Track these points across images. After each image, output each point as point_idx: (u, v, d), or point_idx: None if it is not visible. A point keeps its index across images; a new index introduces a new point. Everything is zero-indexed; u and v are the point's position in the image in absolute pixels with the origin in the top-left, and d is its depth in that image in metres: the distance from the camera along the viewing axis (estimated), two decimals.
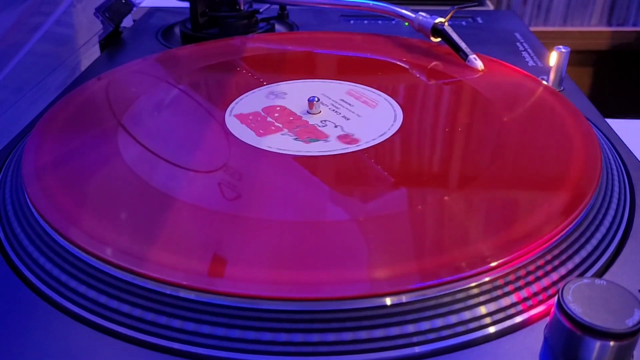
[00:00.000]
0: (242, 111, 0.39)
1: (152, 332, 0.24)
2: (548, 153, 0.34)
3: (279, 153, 0.34)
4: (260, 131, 0.36)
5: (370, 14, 0.63)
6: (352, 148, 0.34)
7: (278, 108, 0.39)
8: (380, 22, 0.63)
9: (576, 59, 1.18)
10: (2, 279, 0.27)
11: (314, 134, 0.36)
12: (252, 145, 0.35)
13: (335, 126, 0.37)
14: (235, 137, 0.36)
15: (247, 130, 0.36)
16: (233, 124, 0.37)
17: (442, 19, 0.48)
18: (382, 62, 0.47)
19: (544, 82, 0.43)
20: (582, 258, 0.27)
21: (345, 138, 0.35)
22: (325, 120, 0.37)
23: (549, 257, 0.27)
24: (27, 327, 0.25)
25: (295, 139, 0.35)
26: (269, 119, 0.38)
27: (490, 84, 0.42)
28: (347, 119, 0.37)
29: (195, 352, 0.24)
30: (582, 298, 0.22)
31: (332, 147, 0.34)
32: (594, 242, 0.28)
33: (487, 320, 0.24)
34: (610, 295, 0.22)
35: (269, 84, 0.43)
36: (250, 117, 0.38)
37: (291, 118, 0.38)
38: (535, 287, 0.26)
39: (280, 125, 0.37)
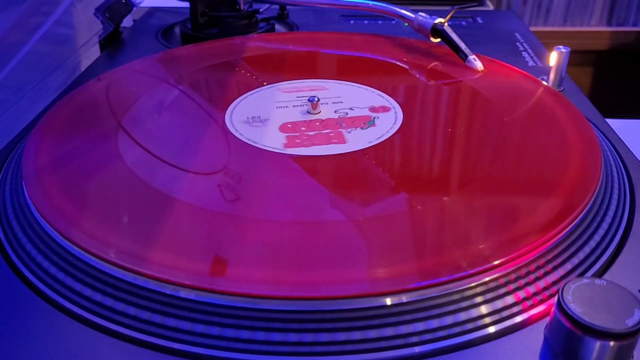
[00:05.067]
0: (280, 142, 0.35)
1: (152, 332, 0.24)
2: (548, 153, 0.34)
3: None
4: (333, 141, 0.35)
5: (370, 14, 0.63)
6: (399, 114, 0.37)
7: (289, 125, 0.37)
8: (380, 22, 0.63)
9: (576, 59, 1.18)
10: (2, 279, 0.27)
11: (362, 120, 0.36)
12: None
13: (351, 108, 0.37)
14: (326, 155, 0.34)
15: (323, 147, 0.34)
16: (301, 152, 0.34)
17: (441, 20, 0.48)
18: (382, 63, 0.47)
19: (544, 83, 0.43)
20: (582, 258, 0.27)
21: (377, 110, 0.36)
22: (337, 110, 0.38)
23: (548, 257, 0.27)
24: (27, 327, 0.25)
25: (361, 128, 0.35)
26: (308, 133, 0.36)
27: (490, 84, 0.42)
28: (342, 102, 0.38)
29: (195, 352, 0.24)
30: (582, 298, 0.22)
31: (388, 120, 0.36)
32: (594, 242, 0.28)
33: (487, 320, 0.24)
34: (610, 295, 0.22)
35: (225, 110, 0.40)
36: (298, 141, 0.35)
37: (318, 124, 0.37)
38: (535, 287, 0.26)
39: (329, 130, 0.36)
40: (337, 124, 0.36)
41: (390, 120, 0.37)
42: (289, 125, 0.37)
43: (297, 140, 0.35)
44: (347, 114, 0.37)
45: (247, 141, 0.35)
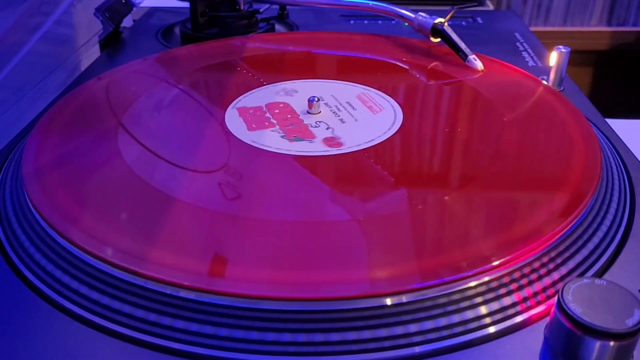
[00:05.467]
0: (246, 104, 0.39)
1: (152, 332, 0.24)
2: (548, 153, 0.34)
3: (279, 153, 0.34)
4: (253, 125, 0.37)
5: (370, 14, 0.63)
6: (333, 151, 0.34)
7: (281, 105, 0.39)
8: (380, 22, 0.63)
9: (576, 59, 1.18)
10: (2, 279, 0.27)
11: (301, 134, 0.36)
12: (244, 142, 0.35)
13: (327, 128, 0.37)
14: (230, 131, 0.36)
15: (241, 123, 0.37)
16: (231, 116, 0.38)
17: (441, 19, 0.48)
18: (381, 63, 0.47)
19: (544, 82, 0.43)
20: (582, 258, 0.27)
21: (331, 141, 0.35)
22: (320, 121, 0.37)
23: (549, 256, 0.27)
24: (27, 327, 0.25)
25: (282, 136, 0.35)
26: (267, 114, 0.38)
27: (490, 84, 0.42)
28: (343, 122, 0.37)
29: (196, 352, 0.24)
30: (582, 298, 0.22)
31: (314, 148, 0.34)
32: (594, 242, 0.28)
33: (487, 320, 0.24)
34: (610, 295, 0.22)
35: (282, 82, 0.43)
36: (250, 111, 0.38)
37: (289, 116, 0.38)
38: (535, 287, 0.26)
39: (274, 121, 0.37)
40: (290, 125, 0.37)
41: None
42: (281, 105, 0.39)
43: (250, 112, 0.38)
44: (317, 126, 0.37)
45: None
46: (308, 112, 0.38)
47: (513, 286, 0.25)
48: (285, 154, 0.34)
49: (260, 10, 0.59)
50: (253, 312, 0.24)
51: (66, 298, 0.26)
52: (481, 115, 0.39)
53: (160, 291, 0.25)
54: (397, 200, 0.30)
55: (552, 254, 0.27)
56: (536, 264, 0.26)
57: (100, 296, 0.25)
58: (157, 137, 0.37)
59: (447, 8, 0.50)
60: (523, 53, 0.54)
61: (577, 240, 0.28)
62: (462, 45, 0.46)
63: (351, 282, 0.25)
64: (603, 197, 0.31)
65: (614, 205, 0.31)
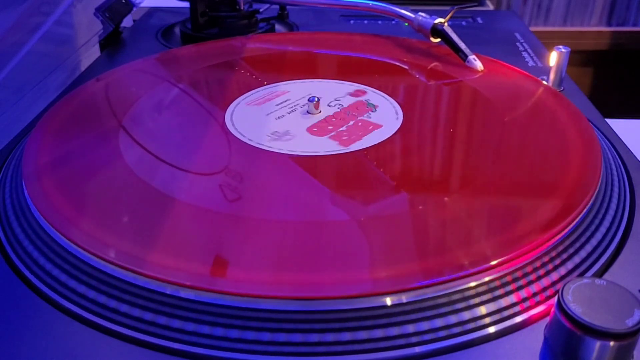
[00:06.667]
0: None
1: (152, 332, 0.24)
2: (548, 153, 0.34)
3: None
4: (344, 138, 0.35)
5: (370, 14, 0.63)
6: (399, 113, 0.37)
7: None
8: (380, 22, 0.63)
9: (576, 59, 1.18)
10: (2, 279, 0.27)
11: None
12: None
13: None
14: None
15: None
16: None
17: (441, 20, 0.48)
18: (381, 63, 0.47)
19: (544, 82, 0.43)
20: (582, 258, 0.27)
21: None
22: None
23: (549, 256, 0.27)
24: (27, 327, 0.25)
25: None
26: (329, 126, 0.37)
27: (490, 84, 0.42)
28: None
29: (195, 352, 0.24)
30: (582, 298, 0.22)
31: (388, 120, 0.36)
32: (594, 242, 0.28)
33: (487, 320, 0.24)
34: (610, 295, 0.22)
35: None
36: (315, 129, 0.36)
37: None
38: (535, 287, 0.26)
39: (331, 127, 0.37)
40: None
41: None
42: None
43: (315, 130, 0.36)
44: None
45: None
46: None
47: (513, 286, 0.25)
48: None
49: (260, 10, 0.59)
50: (253, 312, 0.24)
51: (66, 298, 0.26)
52: (481, 116, 0.39)
53: (160, 291, 0.25)
54: (398, 200, 0.30)
55: (552, 254, 0.27)
56: (536, 264, 0.26)
57: (100, 296, 0.25)
58: (157, 137, 0.37)
59: (447, 8, 0.50)
60: (523, 53, 0.54)
61: (577, 240, 0.28)
62: (462, 46, 0.46)
63: (351, 282, 0.25)
64: (603, 197, 0.31)
65: (613, 205, 0.31)
